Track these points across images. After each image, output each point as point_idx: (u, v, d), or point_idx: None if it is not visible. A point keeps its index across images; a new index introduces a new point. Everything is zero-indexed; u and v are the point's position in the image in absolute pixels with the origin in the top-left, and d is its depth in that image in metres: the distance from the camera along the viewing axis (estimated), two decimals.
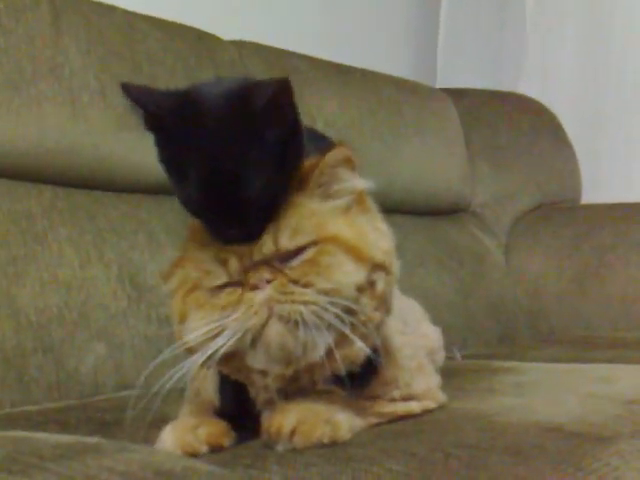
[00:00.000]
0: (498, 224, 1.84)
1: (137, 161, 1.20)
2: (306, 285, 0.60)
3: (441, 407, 0.76)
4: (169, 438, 0.63)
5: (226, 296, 0.62)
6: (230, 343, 0.60)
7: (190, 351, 0.63)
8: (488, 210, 1.85)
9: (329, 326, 0.61)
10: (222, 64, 1.35)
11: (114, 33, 1.20)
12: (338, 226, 0.63)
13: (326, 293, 0.60)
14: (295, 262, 0.62)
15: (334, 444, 0.61)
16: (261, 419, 0.66)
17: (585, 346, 1.41)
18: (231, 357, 0.63)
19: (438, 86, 2.04)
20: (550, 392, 0.88)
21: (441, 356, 0.93)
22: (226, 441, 0.64)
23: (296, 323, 0.60)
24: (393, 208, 1.62)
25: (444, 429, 0.67)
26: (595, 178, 1.98)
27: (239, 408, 0.68)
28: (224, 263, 0.63)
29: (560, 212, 1.86)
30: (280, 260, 0.62)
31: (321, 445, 0.60)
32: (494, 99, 1.93)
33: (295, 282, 0.61)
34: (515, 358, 1.24)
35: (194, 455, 0.61)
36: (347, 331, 0.61)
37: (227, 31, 1.42)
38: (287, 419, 0.61)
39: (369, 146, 1.58)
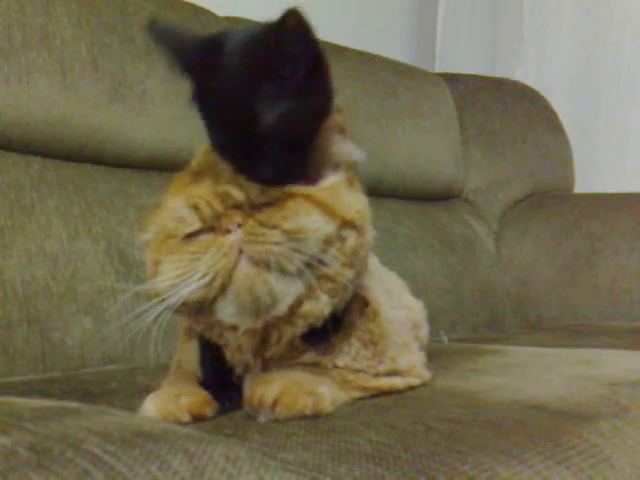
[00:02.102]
0: (490, 211, 1.84)
1: (128, 135, 1.19)
2: (273, 227, 0.60)
3: (424, 384, 0.76)
4: (151, 406, 0.62)
5: (198, 242, 0.62)
6: (199, 286, 0.60)
7: (163, 300, 0.62)
8: (480, 197, 1.85)
9: (299, 274, 0.61)
10: None
11: (107, 4, 1.18)
12: (313, 188, 0.63)
13: (292, 234, 0.60)
14: (265, 207, 0.62)
15: (316, 416, 0.60)
16: (244, 390, 0.66)
17: (572, 333, 1.41)
18: (201, 310, 0.62)
19: (437, 71, 2.03)
20: (535, 373, 0.88)
21: (426, 330, 0.92)
22: (208, 411, 0.64)
23: (266, 266, 0.60)
24: (386, 192, 1.63)
25: (426, 404, 0.67)
26: (588, 168, 1.98)
27: (221, 379, 0.68)
28: (196, 209, 0.63)
29: (551, 200, 1.86)
30: (252, 206, 0.62)
31: (303, 416, 0.60)
32: (489, 85, 1.92)
33: (264, 224, 0.61)
34: (502, 343, 1.24)
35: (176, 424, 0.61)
36: (314, 282, 0.61)
37: (221, 7, 1.41)
38: (269, 390, 0.61)
39: (363, 128, 1.57)
